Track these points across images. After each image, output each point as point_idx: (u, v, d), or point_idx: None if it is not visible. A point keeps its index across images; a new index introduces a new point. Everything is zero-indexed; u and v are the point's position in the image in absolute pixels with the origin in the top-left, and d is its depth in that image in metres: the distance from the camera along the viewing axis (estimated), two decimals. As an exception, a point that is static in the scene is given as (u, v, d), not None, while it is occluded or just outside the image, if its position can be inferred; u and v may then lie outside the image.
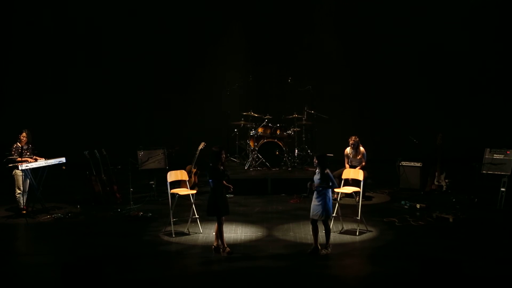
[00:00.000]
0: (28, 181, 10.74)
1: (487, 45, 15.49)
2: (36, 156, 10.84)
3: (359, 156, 11.63)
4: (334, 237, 9.19)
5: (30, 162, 10.60)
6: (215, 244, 8.69)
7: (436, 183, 12.19)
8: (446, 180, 12.19)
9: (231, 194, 8.73)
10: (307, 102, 13.54)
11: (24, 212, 10.57)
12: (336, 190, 9.52)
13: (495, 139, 13.28)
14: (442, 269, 6.96)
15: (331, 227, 8.97)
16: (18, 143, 10.59)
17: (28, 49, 15.47)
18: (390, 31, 15.46)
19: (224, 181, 8.63)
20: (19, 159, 10.44)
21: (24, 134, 10.65)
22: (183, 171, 9.95)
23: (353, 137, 11.69)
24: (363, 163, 11.59)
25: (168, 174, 9.65)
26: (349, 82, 15.64)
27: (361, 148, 11.68)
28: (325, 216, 8.47)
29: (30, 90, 15.53)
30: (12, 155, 10.50)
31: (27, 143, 10.71)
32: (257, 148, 13.05)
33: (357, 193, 9.88)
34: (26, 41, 15.46)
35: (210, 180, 8.52)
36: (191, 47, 15.56)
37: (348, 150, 11.77)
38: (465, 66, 15.53)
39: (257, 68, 15.05)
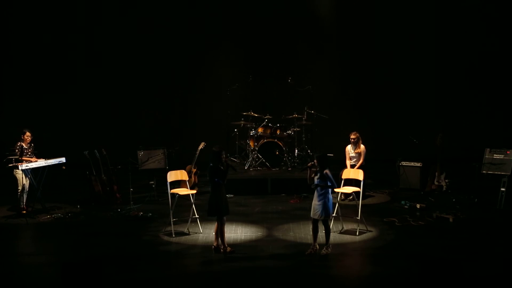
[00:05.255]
0: (28, 180, 10.74)
1: (487, 45, 15.48)
2: (36, 156, 10.84)
3: (358, 150, 11.59)
4: (334, 237, 9.19)
5: (31, 162, 10.60)
6: (215, 244, 8.69)
7: (436, 183, 12.19)
8: (446, 180, 12.19)
9: (231, 194, 8.76)
10: (307, 102, 13.53)
11: (24, 212, 10.58)
12: (336, 190, 9.51)
13: (495, 139, 13.28)
14: (442, 269, 6.95)
15: (331, 227, 8.98)
16: (21, 143, 10.60)
17: (28, 49, 15.46)
18: (390, 31, 15.46)
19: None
20: (16, 158, 10.44)
21: (27, 133, 10.68)
22: (183, 171, 9.96)
23: (353, 133, 11.68)
24: (361, 160, 11.57)
25: (168, 174, 9.66)
26: (349, 82, 15.63)
27: (362, 146, 11.67)
28: (325, 216, 8.48)
29: (30, 90, 15.53)
30: (16, 153, 10.49)
31: (29, 143, 10.72)
32: (257, 148, 13.05)
33: (357, 193, 9.90)
34: (26, 40, 15.45)
35: (216, 180, 8.51)
36: (191, 47, 15.55)
37: (348, 147, 11.77)
38: (465, 66, 15.52)
39: (257, 68, 15.03)
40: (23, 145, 10.61)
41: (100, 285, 7.00)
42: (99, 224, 10.31)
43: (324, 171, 8.45)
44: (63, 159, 11.06)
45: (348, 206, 10.92)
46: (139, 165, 11.81)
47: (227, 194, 9.11)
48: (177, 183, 10.50)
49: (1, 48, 15.55)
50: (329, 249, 8.59)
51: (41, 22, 15.40)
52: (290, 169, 12.96)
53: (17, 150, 10.52)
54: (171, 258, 8.63)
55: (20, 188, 10.62)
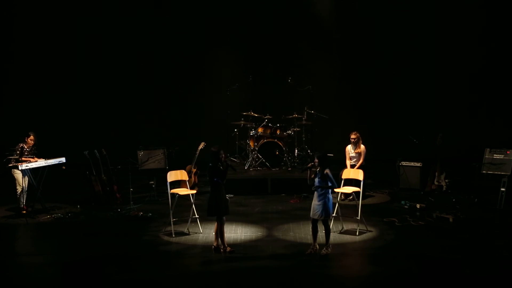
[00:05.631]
0: (27, 180, 10.73)
1: (487, 45, 15.48)
2: (36, 156, 10.83)
3: (358, 150, 11.59)
4: (334, 237, 9.19)
5: (30, 162, 10.59)
6: (215, 244, 8.70)
7: (436, 183, 12.19)
8: (446, 180, 12.19)
9: (231, 194, 8.80)
10: (307, 102, 13.53)
11: (24, 212, 10.58)
12: (336, 190, 9.52)
13: (495, 139, 13.27)
14: (442, 269, 6.95)
15: (331, 227, 8.98)
16: (24, 144, 10.59)
17: (29, 49, 15.46)
18: (390, 31, 15.46)
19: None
20: (16, 159, 10.44)
21: (31, 137, 10.67)
22: (183, 171, 9.96)
23: (354, 133, 11.67)
24: (361, 161, 11.57)
25: (168, 174, 9.66)
26: (349, 82, 15.63)
27: (362, 146, 11.67)
28: (325, 216, 8.48)
29: (30, 90, 15.54)
30: (15, 153, 10.48)
31: (32, 146, 10.72)
32: (257, 148, 13.05)
33: (357, 193, 9.90)
34: (27, 41, 15.46)
35: (215, 179, 8.52)
36: (191, 47, 15.55)
37: (349, 147, 11.77)
38: (465, 66, 15.52)
39: (257, 68, 15.03)
40: (25, 146, 10.60)
41: (100, 285, 7.00)
42: (99, 224, 10.31)
43: (325, 171, 8.45)
44: (63, 159, 11.06)
45: (348, 206, 10.92)
46: (139, 165, 11.81)
47: (228, 194, 9.10)
48: (177, 183, 10.50)
49: (2, 48, 15.54)
50: (329, 249, 8.59)
51: (42, 22, 15.40)
52: (290, 169, 12.96)
53: (17, 151, 10.52)
54: (171, 258, 8.63)
55: (19, 188, 10.62)
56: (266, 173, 12.78)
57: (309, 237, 8.95)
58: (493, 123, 15.33)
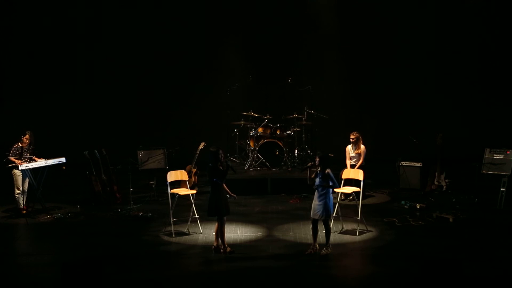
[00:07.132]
0: (28, 181, 10.73)
1: (487, 45, 15.47)
2: (36, 156, 10.82)
3: (358, 151, 11.59)
4: (334, 237, 9.19)
5: (30, 162, 10.58)
6: (215, 244, 8.70)
7: (436, 183, 12.19)
8: (446, 180, 12.19)
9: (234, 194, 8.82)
10: (307, 102, 13.53)
11: (24, 212, 10.58)
12: (336, 190, 9.52)
13: (495, 139, 13.27)
14: (442, 269, 6.95)
15: (331, 227, 8.98)
16: (19, 143, 10.58)
17: (29, 49, 15.45)
18: (391, 31, 15.44)
19: (225, 186, 8.67)
20: (16, 158, 10.44)
21: (27, 136, 10.62)
22: (183, 171, 9.96)
23: (353, 133, 11.67)
24: (361, 161, 11.57)
25: (168, 174, 9.66)
26: (349, 82, 15.62)
27: (362, 146, 11.66)
28: (325, 216, 8.49)
29: (30, 89, 15.51)
30: (11, 155, 10.48)
31: (29, 145, 10.70)
32: (257, 148, 13.05)
33: (357, 193, 9.90)
34: (27, 40, 15.44)
35: (215, 180, 8.52)
36: (191, 47, 15.54)
37: (349, 147, 11.76)
38: (465, 66, 15.51)
39: (257, 68, 15.02)
40: (21, 146, 10.58)
41: (100, 285, 7.01)
42: (99, 224, 10.32)
43: (326, 171, 8.46)
44: (63, 159, 11.06)
45: (348, 206, 10.93)
46: (139, 165, 11.81)
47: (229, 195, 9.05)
48: (177, 183, 10.51)
49: (1, 48, 15.54)
50: (329, 249, 8.59)
51: (41, 22, 15.39)
52: (290, 169, 12.96)
53: (12, 151, 10.50)
54: (171, 258, 8.63)
55: (17, 191, 10.60)
56: (266, 173, 12.78)
57: (309, 237, 8.95)
58: (493, 123, 15.31)
